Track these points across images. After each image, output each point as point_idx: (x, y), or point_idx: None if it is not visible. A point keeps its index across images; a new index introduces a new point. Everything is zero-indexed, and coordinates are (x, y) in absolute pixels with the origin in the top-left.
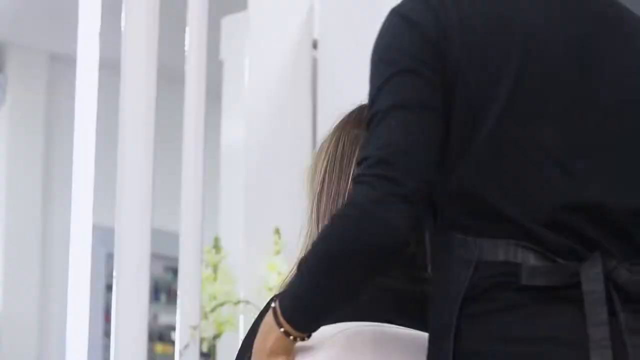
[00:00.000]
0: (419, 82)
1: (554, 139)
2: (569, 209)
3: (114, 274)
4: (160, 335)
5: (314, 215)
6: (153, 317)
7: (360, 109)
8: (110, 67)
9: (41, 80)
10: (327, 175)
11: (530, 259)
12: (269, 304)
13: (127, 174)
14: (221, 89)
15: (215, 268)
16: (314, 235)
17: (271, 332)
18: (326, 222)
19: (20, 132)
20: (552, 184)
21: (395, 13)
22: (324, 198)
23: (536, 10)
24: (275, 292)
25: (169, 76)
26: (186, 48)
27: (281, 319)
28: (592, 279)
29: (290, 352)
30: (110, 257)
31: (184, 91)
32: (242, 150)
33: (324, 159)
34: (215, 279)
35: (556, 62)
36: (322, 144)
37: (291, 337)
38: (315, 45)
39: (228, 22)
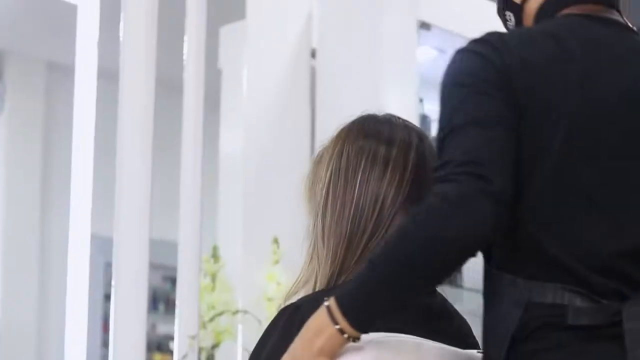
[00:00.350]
0: (493, 102)
1: (606, 183)
2: (617, 254)
3: (112, 283)
4: (158, 345)
5: (319, 229)
6: (151, 327)
7: (363, 119)
8: (108, 76)
9: (39, 89)
10: (331, 186)
11: (577, 301)
12: (282, 313)
13: (126, 183)
14: (219, 97)
15: (213, 277)
16: (320, 248)
17: (322, 331)
18: (332, 233)
19: (18, 141)
20: (602, 229)
21: (461, 50)
22: (328, 209)
23: (590, 55)
24: (275, 301)
25: (168, 85)
26: (185, 57)
27: (338, 315)
28: (634, 317)
29: (336, 355)
30: (108, 266)
31: (183, 100)
32: (241, 159)
33: (327, 170)
34: (213, 288)
35: (609, 105)
36: (322, 154)
37: (345, 336)
38: (313, 54)
39: (226, 31)
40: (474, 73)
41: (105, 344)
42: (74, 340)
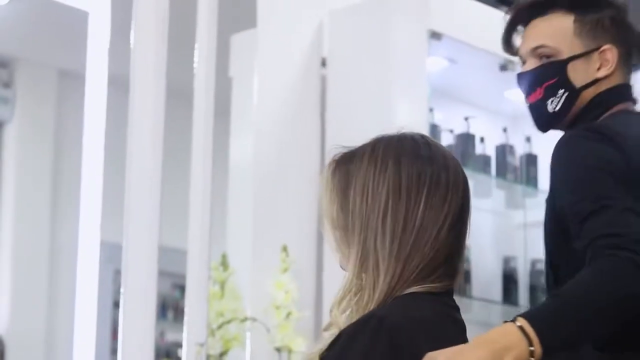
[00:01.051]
0: (632, 193)
1: None
2: None
3: (121, 290)
4: (167, 353)
5: (377, 246)
6: (160, 334)
7: (412, 141)
8: (119, 84)
9: (50, 97)
10: (390, 205)
11: None
12: (364, 323)
13: (135, 190)
14: (230, 106)
15: (222, 285)
16: (381, 264)
17: (513, 348)
18: (392, 252)
19: (28, 148)
20: None
21: (588, 137)
22: (387, 228)
23: None
24: (283, 309)
25: (178, 93)
26: (195, 65)
27: (534, 338)
28: None
29: None
30: (117, 273)
31: (193, 108)
32: (251, 167)
33: (382, 187)
34: (222, 296)
35: None
36: (360, 168)
37: (532, 358)
38: (324, 63)
39: (237, 40)
40: (619, 165)
41: (113, 351)
42: (82, 348)
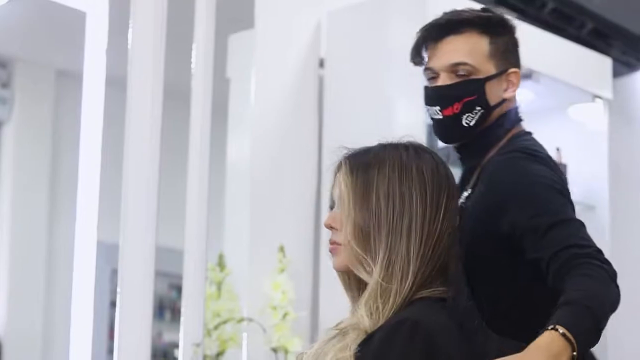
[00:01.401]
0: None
1: None
2: None
3: (118, 290)
4: (164, 353)
5: (407, 252)
6: (157, 335)
7: (428, 153)
8: (116, 84)
9: (48, 97)
10: (417, 216)
11: None
12: (398, 327)
13: (132, 190)
14: (227, 106)
15: (219, 285)
16: (404, 269)
17: (562, 355)
18: (416, 258)
19: (26, 148)
20: None
21: (524, 159)
22: (416, 237)
23: None
24: (279, 310)
25: (175, 93)
26: (193, 65)
27: (575, 345)
28: None
29: None
30: (114, 273)
31: (190, 108)
32: (248, 167)
33: (412, 195)
34: (219, 296)
35: None
36: (382, 173)
37: None
38: (321, 63)
39: (235, 40)
40: (562, 183)
41: (110, 351)
42: (79, 347)
